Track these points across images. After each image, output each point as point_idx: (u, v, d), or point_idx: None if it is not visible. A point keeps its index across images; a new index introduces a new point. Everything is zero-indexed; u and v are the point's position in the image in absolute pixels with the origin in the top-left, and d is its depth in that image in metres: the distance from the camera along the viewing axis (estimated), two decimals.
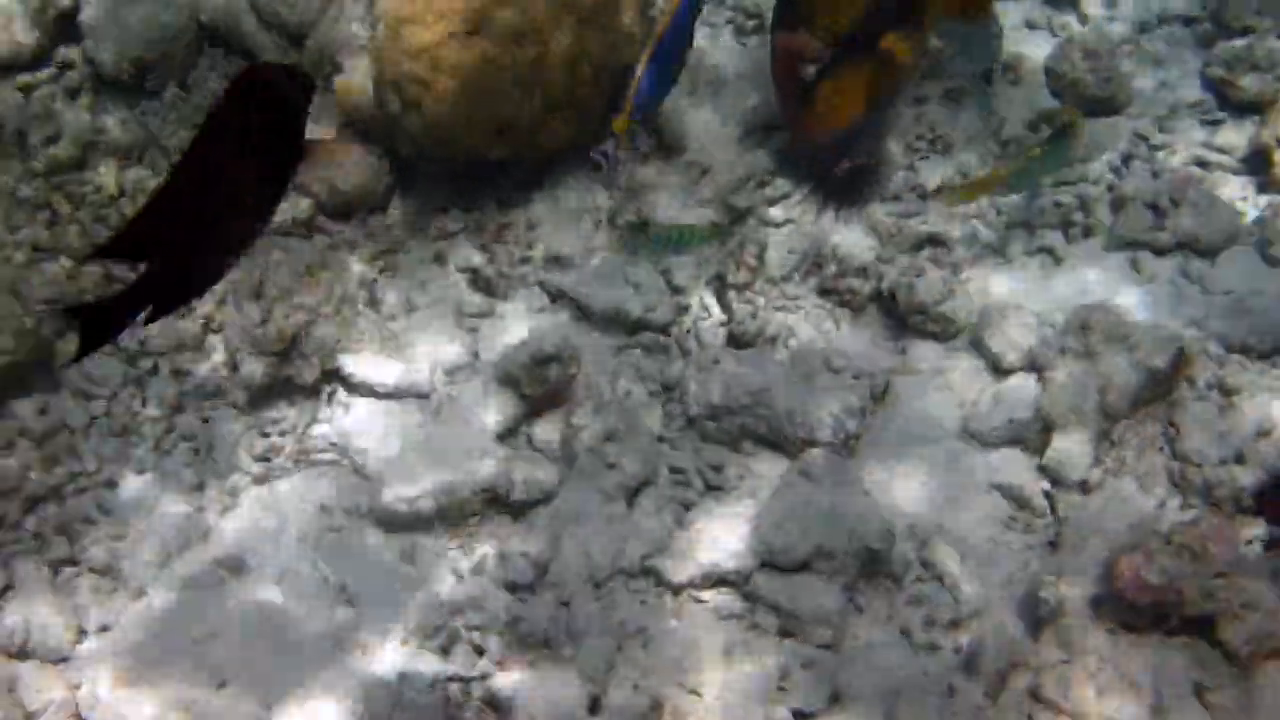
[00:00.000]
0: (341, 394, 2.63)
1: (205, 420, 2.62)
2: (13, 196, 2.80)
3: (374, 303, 2.72)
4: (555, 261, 2.81)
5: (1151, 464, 2.34)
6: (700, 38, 3.15)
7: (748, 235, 2.75)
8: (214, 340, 2.69)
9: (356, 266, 2.74)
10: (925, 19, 2.66)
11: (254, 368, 2.56)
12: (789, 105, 2.79)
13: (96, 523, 2.48)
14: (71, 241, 2.76)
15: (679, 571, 2.32)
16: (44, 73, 3.00)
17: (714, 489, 2.45)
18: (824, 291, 2.73)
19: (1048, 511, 2.36)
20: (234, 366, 2.60)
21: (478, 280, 2.80)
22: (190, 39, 3.05)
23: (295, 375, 2.59)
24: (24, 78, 2.97)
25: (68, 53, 3.02)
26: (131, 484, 2.54)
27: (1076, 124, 2.60)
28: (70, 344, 2.59)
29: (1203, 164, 2.88)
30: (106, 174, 2.89)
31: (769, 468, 2.45)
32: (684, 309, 2.72)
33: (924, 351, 2.64)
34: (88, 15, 2.98)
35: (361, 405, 2.62)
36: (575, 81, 2.69)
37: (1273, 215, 2.73)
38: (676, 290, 2.74)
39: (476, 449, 2.46)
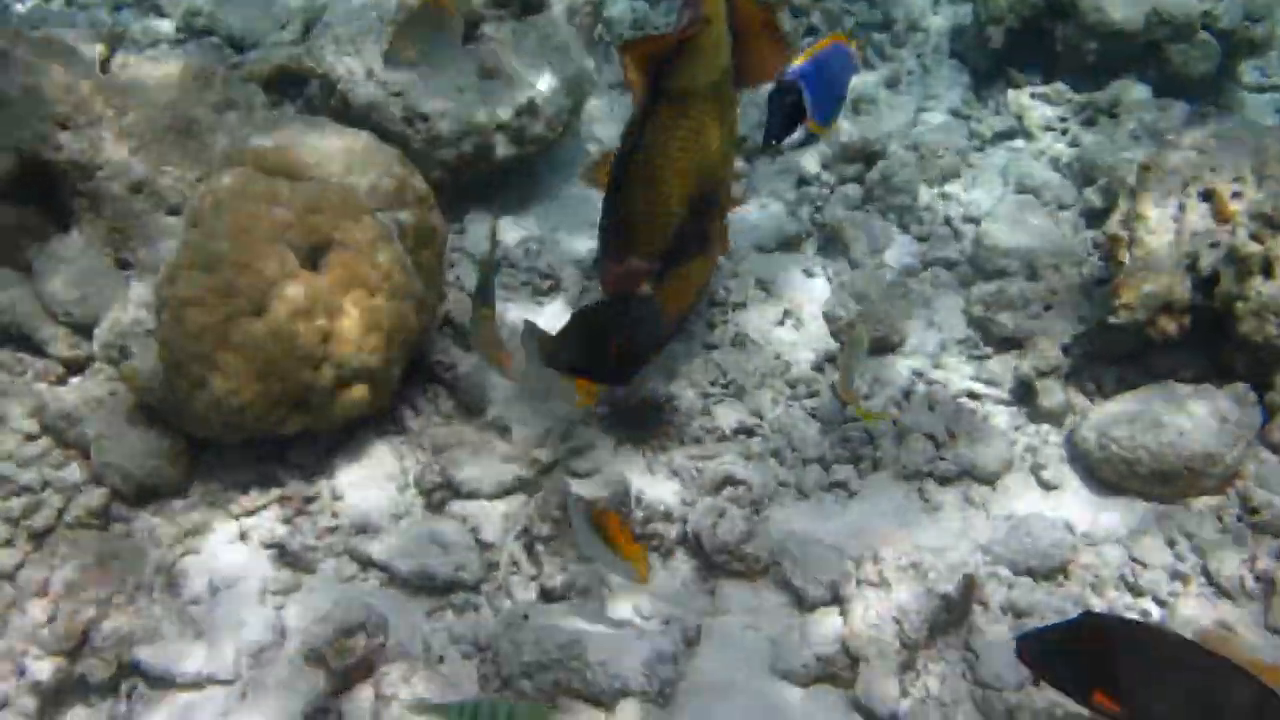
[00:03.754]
0: (141, 688, 2.51)
1: None
2: None
3: (173, 588, 2.64)
4: (363, 529, 2.79)
5: (956, 690, 2.40)
6: (499, 300, 3.29)
7: (551, 488, 2.79)
8: (2, 645, 2.55)
9: (154, 552, 2.66)
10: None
11: (42, 671, 2.43)
12: None
13: None
14: None
15: None
16: None
17: None
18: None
19: None
20: (20, 672, 2.46)
21: (283, 555, 2.75)
22: None
23: (88, 674, 2.47)
24: None
25: None
26: None
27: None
28: None
29: (974, 396, 3.08)
30: None
31: None
32: (493, 565, 2.72)
33: (732, 591, 2.69)
34: None
35: (163, 699, 2.49)
36: (366, 353, 2.74)
37: (1041, 442, 2.93)
38: (485, 546, 2.74)
39: None
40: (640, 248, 2.81)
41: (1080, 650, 1.97)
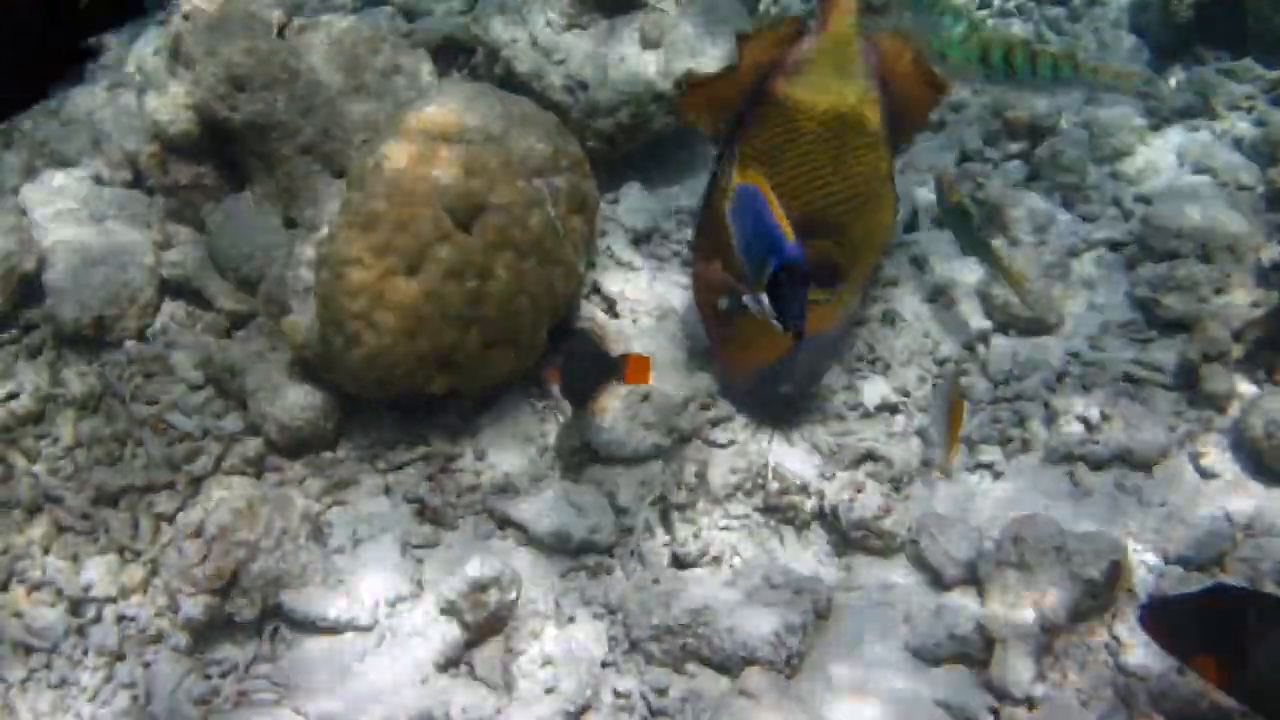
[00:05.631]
0: (284, 630, 2.61)
1: (146, 666, 2.58)
2: None
3: (318, 536, 2.73)
4: (502, 489, 2.84)
5: (1096, 677, 2.31)
6: (645, 270, 3.29)
7: (689, 456, 2.78)
8: (159, 582, 2.68)
9: (300, 501, 2.75)
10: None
11: (193, 608, 2.54)
12: (711, 335, 2.91)
13: None
14: (24, 494, 2.81)
15: None
16: (7, 334, 3.13)
17: (657, 713, 2.40)
18: (767, 509, 2.74)
19: None
20: (175, 608, 2.58)
21: (424, 511, 2.82)
22: (151, 295, 3.17)
23: (236, 613, 2.57)
24: None
25: (31, 314, 3.15)
26: None
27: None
28: None
29: (1133, 380, 2.94)
30: (64, 425, 2.95)
31: (712, 688, 2.40)
32: (628, 530, 2.73)
33: (867, 567, 2.64)
34: (51, 276, 3.12)
35: (303, 641, 2.59)
36: (514, 315, 2.77)
37: (1202, 429, 2.79)
38: (621, 511, 2.75)
39: (415, 681, 2.43)
40: (729, 253, 2.59)
41: (1206, 618, 1.89)
